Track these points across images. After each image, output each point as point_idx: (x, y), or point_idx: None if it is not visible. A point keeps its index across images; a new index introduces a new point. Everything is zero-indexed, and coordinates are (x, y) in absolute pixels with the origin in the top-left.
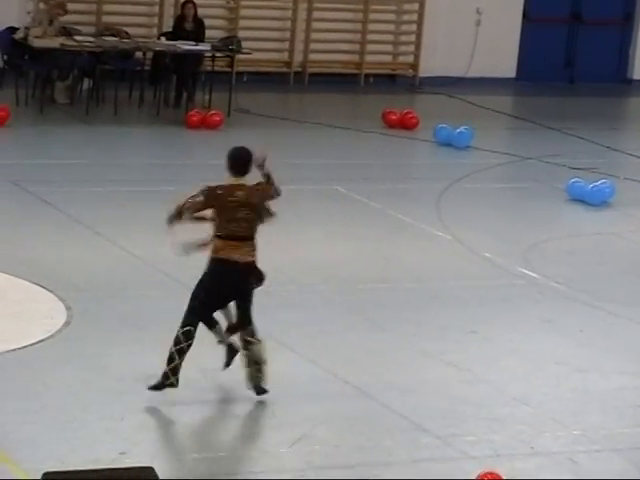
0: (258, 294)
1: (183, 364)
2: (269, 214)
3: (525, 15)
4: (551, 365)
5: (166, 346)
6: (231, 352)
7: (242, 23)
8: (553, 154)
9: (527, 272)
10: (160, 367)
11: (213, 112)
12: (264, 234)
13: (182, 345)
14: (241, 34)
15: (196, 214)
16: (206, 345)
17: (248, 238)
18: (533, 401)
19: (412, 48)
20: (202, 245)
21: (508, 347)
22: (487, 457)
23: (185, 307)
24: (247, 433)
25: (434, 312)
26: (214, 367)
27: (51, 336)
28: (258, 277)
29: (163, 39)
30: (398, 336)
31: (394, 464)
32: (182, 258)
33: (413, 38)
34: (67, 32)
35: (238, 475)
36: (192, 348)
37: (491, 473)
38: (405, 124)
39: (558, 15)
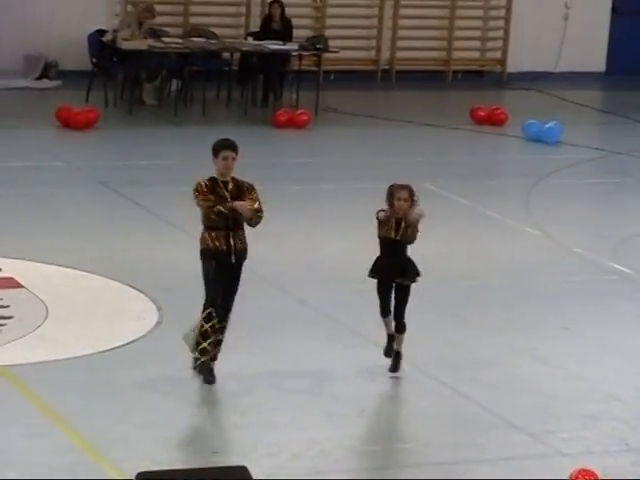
0: (348, 293)
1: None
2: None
3: (614, 8)
4: None
5: (256, 345)
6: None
7: (329, 22)
8: None
9: (619, 267)
10: (251, 367)
11: (301, 111)
12: (353, 233)
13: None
14: (328, 33)
15: None
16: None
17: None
18: (626, 397)
19: (500, 44)
20: None
21: (600, 343)
22: (580, 454)
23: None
24: (336, 431)
25: (525, 308)
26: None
27: (143, 336)
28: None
29: (250, 39)
30: (489, 332)
31: (487, 461)
32: (273, 257)
33: (501, 34)
34: (155, 34)
35: (329, 474)
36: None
37: (585, 470)
38: (493, 120)
39: None
